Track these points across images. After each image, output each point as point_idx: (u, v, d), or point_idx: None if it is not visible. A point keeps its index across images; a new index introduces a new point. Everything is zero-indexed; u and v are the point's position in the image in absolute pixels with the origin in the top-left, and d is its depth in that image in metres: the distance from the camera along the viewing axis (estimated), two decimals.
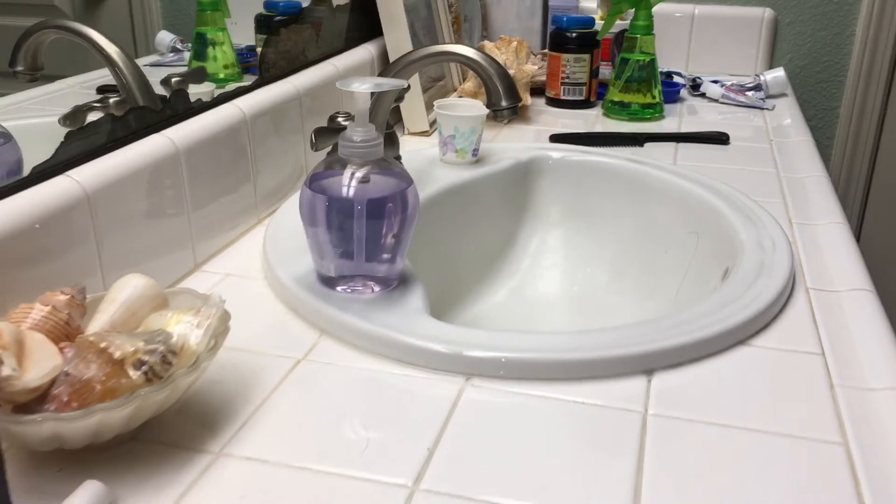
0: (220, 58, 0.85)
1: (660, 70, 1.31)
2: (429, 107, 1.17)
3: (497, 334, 0.61)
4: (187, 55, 0.80)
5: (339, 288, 0.67)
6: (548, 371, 0.58)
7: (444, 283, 0.92)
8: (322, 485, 0.48)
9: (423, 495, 0.47)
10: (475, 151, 1.00)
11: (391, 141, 0.94)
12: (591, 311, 0.95)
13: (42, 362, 0.45)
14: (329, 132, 0.83)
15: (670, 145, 1.14)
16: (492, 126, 1.20)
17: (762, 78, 1.39)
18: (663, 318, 0.64)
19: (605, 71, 1.37)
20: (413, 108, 1.15)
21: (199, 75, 0.82)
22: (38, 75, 0.63)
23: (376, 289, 0.67)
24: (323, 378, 0.59)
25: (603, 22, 1.33)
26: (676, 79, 1.44)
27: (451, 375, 0.59)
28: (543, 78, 1.36)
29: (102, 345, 0.46)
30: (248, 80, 0.89)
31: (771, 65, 1.57)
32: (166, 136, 0.72)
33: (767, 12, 1.53)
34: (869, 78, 1.54)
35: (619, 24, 1.36)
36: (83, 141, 0.66)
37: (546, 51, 1.39)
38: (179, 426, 0.53)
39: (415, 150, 1.04)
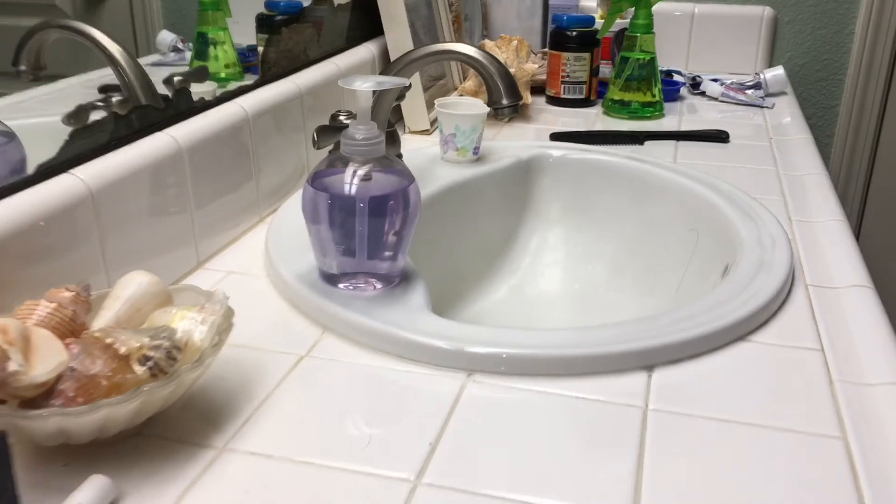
0: (222, 57, 0.86)
1: (660, 68, 1.31)
2: (429, 105, 1.18)
3: (498, 330, 0.62)
4: (188, 55, 0.81)
5: (341, 285, 0.67)
6: (549, 367, 0.59)
7: (446, 281, 0.93)
8: (325, 479, 0.48)
9: (426, 489, 0.48)
10: (476, 150, 1.00)
11: (392, 139, 0.95)
12: (592, 308, 0.96)
13: (48, 358, 0.46)
14: (331, 130, 0.83)
15: (670, 143, 1.14)
16: (492, 124, 1.20)
17: (762, 76, 1.40)
18: (663, 315, 0.64)
19: (606, 69, 1.38)
20: (414, 107, 1.16)
21: (200, 74, 0.83)
22: (40, 74, 0.63)
23: (378, 286, 0.67)
24: (325, 374, 0.59)
25: (603, 21, 1.34)
26: (676, 77, 1.45)
27: (452, 371, 0.59)
28: (544, 77, 1.36)
29: (108, 341, 0.46)
30: (249, 80, 0.90)
31: (771, 63, 1.57)
32: (169, 135, 0.72)
33: (767, 11, 1.54)
34: (868, 76, 1.54)
35: (619, 22, 1.36)
36: (87, 139, 0.66)
37: (546, 49, 1.40)
38: (184, 422, 0.53)
39: (416, 149, 1.04)
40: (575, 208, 1.03)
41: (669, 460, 0.50)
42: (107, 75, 0.70)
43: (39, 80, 0.63)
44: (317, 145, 0.82)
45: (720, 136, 1.16)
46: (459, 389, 0.57)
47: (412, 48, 1.03)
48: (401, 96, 0.92)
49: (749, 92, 1.37)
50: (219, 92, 0.84)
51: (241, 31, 0.89)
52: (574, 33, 1.30)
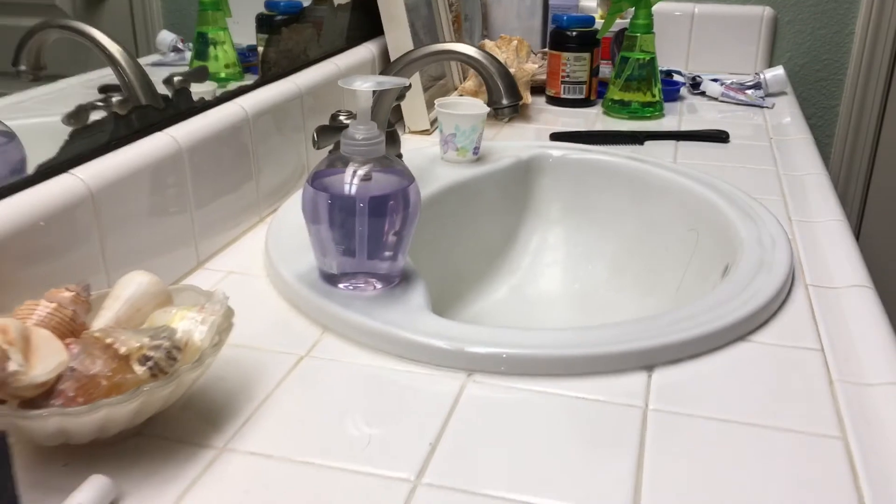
0: (222, 57, 0.86)
1: (660, 68, 1.31)
2: (429, 105, 1.18)
3: (498, 330, 0.62)
4: (188, 55, 0.81)
5: (341, 285, 0.67)
6: (549, 367, 0.59)
7: (446, 281, 0.93)
8: (325, 479, 0.48)
9: (426, 489, 0.48)
10: (476, 150, 1.00)
11: (392, 139, 0.95)
12: (592, 308, 0.96)
13: (48, 358, 0.46)
14: (331, 130, 0.83)
15: (670, 143, 1.14)
16: (492, 125, 1.20)
17: (762, 76, 1.40)
18: (663, 315, 0.64)
19: (605, 69, 1.38)
20: (414, 107, 1.16)
21: (201, 74, 0.83)
22: (40, 74, 0.63)
23: (378, 286, 0.67)
24: (325, 374, 0.59)
25: (603, 21, 1.34)
26: (676, 77, 1.45)
27: (452, 371, 0.59)
28: (544, 77, 1.36)
29: (108, 341, 0.46)
30: (249, 80, 0.90)
31: (770, 63, 1.57)
32: (169, 135, 0.72)
33: (767, 11, 1.54)
34: (868, 76, 1.54)
35: (619, 22, 1.36)
36: (87, 139, 0.66)
37: (546, 49, 1.40)
38: (184, 422, 0.53)
39: (416, 149, 1.04)
40: (575, 208, 1.03)
41: (669, 460, 0.50)
42: (106, 75, 0.70)
43: (39, 80, 0.63)
44: (317, 145, 0.82)
45: (720, 137, 1.16)
46: (459, 389, 0.57)
47: (412, 48, 1.04)
48: (401, 96, 0.92)
49: (749, 92, 1.37)
50: (219, 92, 0.84)
51: (241, 31, 0.89)
52: (574, 33, 1.30)
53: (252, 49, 0.92)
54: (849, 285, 0.72)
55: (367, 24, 1.18)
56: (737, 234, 0.80)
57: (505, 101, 0.86)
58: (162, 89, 0.76)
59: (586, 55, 1.31)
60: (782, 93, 1.41)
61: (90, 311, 0.53)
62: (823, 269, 0.76)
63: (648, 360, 0.60)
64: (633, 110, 1.27)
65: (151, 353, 0.47)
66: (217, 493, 0.47)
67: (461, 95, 1.25)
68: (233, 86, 0.87)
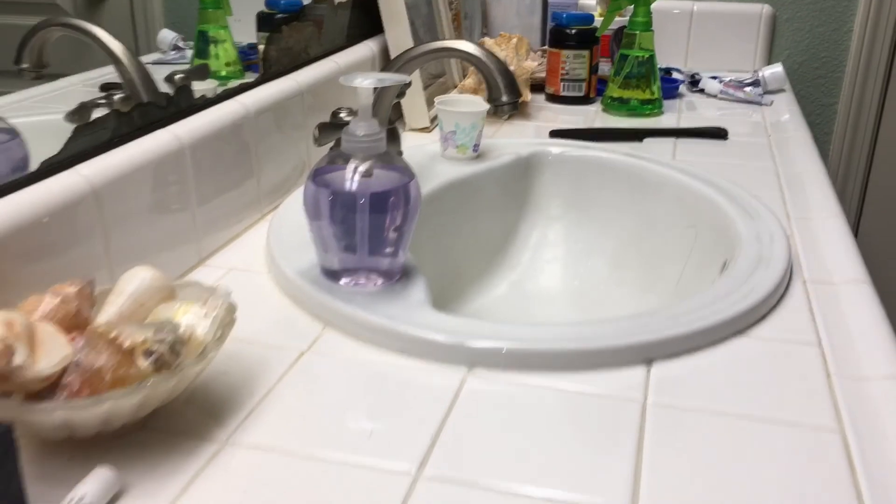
0: (222, 55, 0.86)
1: (659, 66, 1.32)
2: (429, 103, 1.18)
3: (499, 325, 0.62)
4: (189, 53, 0.81)
5: (342, 281, 0.68)
6: (549, 361, 0.59)
7: (446, 278, 0.93)
8: (327, 472, 0.49)
9: (427, 482, 0.48)
10: (476, 147, 1.01)
11: (393, 137, 0.95)
12: (592, 304, 0.96)
13: (53, 352, 0.46)
14: (332, 127, 0.84)
15: (669, 140, 1.14)
16: (492, 122, 1.21)
17: (760, 74, 1.40)
18: (662, 309, 0.65)
19: (605, 67, 1.38)
20: (414, 105, 1.16)
21: (202, 72, 0.83)
22: (43, 73, 0.63)
23: (379, 282, 0.68)
24: (327, 369, 0.60)
25: (602, 18, 1.34)
26: (675, 75, 1.45)
27: (453, 365, 0.60)
28: (543, 74, 1.37)
29: (112, 334, 0.47)
30: (249, 78, 0.90)
31: (769, 61, 1.58)
32: (171, 132, 0.73)
33: (766, 8, 1.54)
34: (867, 74, 1.55)
35: (619, 20, 1.37)
36: (90, 136, 0.67)
37: (546, 47, 1.40)
38: (187, 415, 0.54)
39: (416, 146, 1.05)
40: (575, 205, 1.03)
41: (668, 453, 0.51)
42: (108, 74, 0.70)
43: (42, 79, 0.63)
44: (318, 142, 0.83)
45: (719, 134, 1.16)
46: (460, 383, 0.58)
47: (412, 46, 1.04)
48: (401, 93, 0.93)
49: (748, 89, 1.38)
50: (220, 90, 0.85)
51: (242, 29, 0.89)
52: (573, 31, 1.31)
53: (253, 47, 0.92)
54: (846, 280, 0.72)
55: (367, 22, 1.18)
56: (735, 230, 0.81)
57: (505, 99, 0.86)
58: (163, 87, 0.76)
59: (586, 53, 1.31)
60: (781, 90, 1.41)
61: (94, 306, 0.53)
62: (821, 264, 0.76)
63: (647, 355, 0.60)
64: (633, 108, 1.27)
65: (155, 347, 0.47)
66: (220, 486, 0.48)
67: (461, 93, 1.26)
68: (234, 84, 0.87)
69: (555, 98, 1.35)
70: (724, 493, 0.48)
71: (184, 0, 0.80)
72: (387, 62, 1.16)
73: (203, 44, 0.84)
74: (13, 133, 0.61)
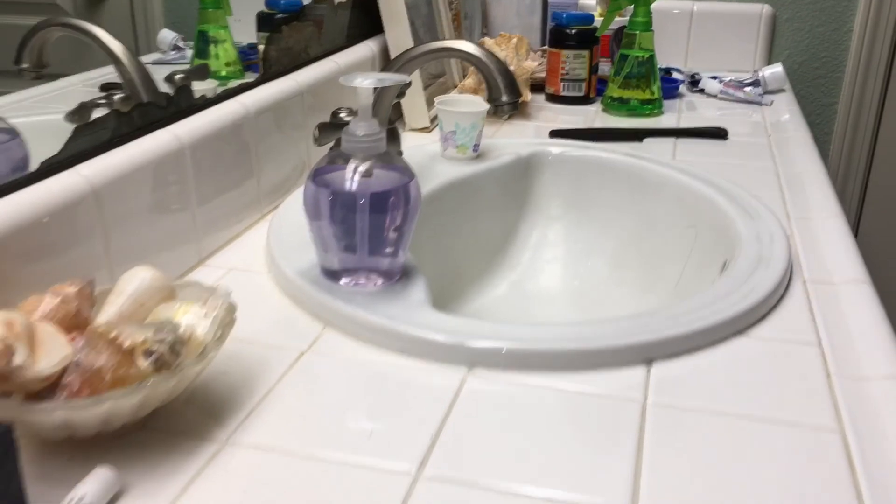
0: (222, 55, 0.86)
1: (659, 66, 1.32)
2: (429, 103, 1.18)
3: (499, 325, 0.62)
4: (189, 53, 0.81)
5: (342, 281, 0.68)
6: (549, 361, 0.59)
7: (446, 278, 0.93)
8: (327, 472, 0.49)
9: (427, 481, 0.48)
10: (476, 147, 1.01)
11: (393, 137, 0.95)
12: (592, 304, 0.96)
13: (53, 352, 0.46)
14: (332, 127, 0.84)
15: (669, 140, 1.14)
16: (492, 122, 1.21)
17: (760, 74, 1.40)
18: (663, 309, 0.65)
19: (605, 67, 1.38)
20: (414, 105, 1.16)
21: (202, 72, 0.83)
22: (43, 73, 0.63)
23: (379, 282, 0.68)
24: (327, 369, 0.60)
25: (602, 18, 1.34)
26: (675, 75, 1.45)
27: (453, 365, 0.60)
28: (543, 74, 1.37)
29: (112, 334, 0.47)
30: (249, 78, 0.90)
31: (769, 61, 1.58)
32: (171, 132, 0.73)
33: (766, 8, 1.54)
34: (867, 74, 1.55)
35: (619, 20, 1.37)
36: (90, 136, 0.67)
37: (546, 47, 1.40)
38: (187, 416, 0.54)
39: (416, 147, 1.05)
40: (574, 205, 1.03)
41: (668, 452, 0.51)
42: (107, 74, 0.70)
43: (42, 79, 0.63)
44: (318, 142, 0.83)
45: (719, 134, 1.16)
46: (460, 383, 0.58)
47: (412, 46, 1.04)
48: (401, 93, 0.93)
49: (748, 89, 1.38)
50: (220, 90, 0.85)
51: (242, 29, 0.89)
52: (573, 31, 1.31)
53: (253, 47, 0.92)
54: (846, 280, 0.73)
55: (367, 23, 1.18)
56: (735, 230, 0.81)
57: (505, 98, 0.86)
58: (163, 87, 0.76)
59: (585, 53, 1.31)
60: (781, 90, 1.41)
61: (94, 306, 0.53)
62: (821, 264, 0.76)
63: (647, 354, 0.60)
64: (633, 108, 1.27)
65: (155, 347, 0.47)
66: (220, 486, 0.48)
67: (461, 93, 1.26)
68: (234, 84, 0.87)
69: (555, 98, 1.35)
70: (723, 492, 0.48)
71: (184, 0, 0.80)
72: (387, 62, 1.16)
73: (203, 44, 0.84)
74: (13, 133, 0.61)
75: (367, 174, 0.64)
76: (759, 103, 1.35)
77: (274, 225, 0.79)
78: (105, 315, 0.52)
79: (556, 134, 1.15)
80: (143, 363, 0.47)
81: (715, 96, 1.39)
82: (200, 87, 0.81)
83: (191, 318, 0.52)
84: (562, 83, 1.33)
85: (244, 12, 0.90)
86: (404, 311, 0.64)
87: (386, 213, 0.65)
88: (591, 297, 0.97)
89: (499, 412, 0.55)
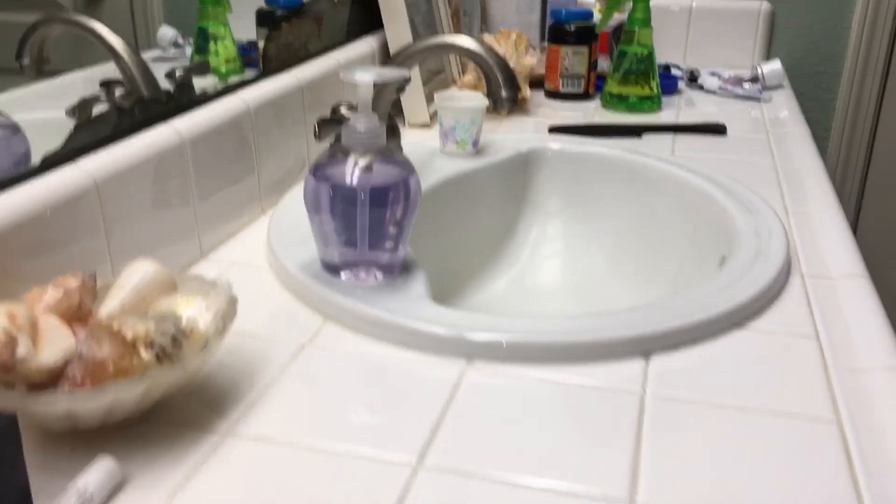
0: (222, 52, 0.86)
1: (658, 62, 1.32)
2: (429, 99, 1.18)
3: (498, 318, 0.63)
4: (189, 50, 0.81)
5: (342, 275, 0.68)
6: (548, 353, 0.60)
7: (445, 274, 0.93)
8: (327, 463, 0.49)
9: (427, 472, 0.49)
10: (475, 142, 1.01)
11: (392, 132, 0.95)
12: (591, 299, 0.96)
13: (55, 343, 0.47)
14: (332, 122, 0.84)
15: (668, 136, 1.15)
16: (491, 118, 1.21)
17: (759, 70, 1.40)
18: (661, 302, 0.65)
19: (604, 64, 1.39)
20: (413, 101, 1.17)
21: (202, 69, 0.83)
22: (44, 68, 0.64)
23: (379, 276, 0.68)
24: (327, 362, 0.60)
25: (601, 15, 1.34)
26: (674, 71, 1.45)
27: (453, 358, 0.60)
28: (542, 71, 1.37)
29: (115, 326, 0.47)
30: (249, 75, 0.90)
31: (768, 57, 1.58)
32: (172, 127, 0.73)
33: (764, 5, 1.54)
34: (865, 69, 1.55)
35: (618, 17, 1.37)
36: (92, 131, 0.67)
37: (545, 44, 1.41)
38: (188, 408, 0.54)
39: (415, 142, 1.05)
40: (574, 200, 1.03)
41: (666, 444, 0.51)
42: (106, 70, 0.70)
43: (43, 75, 0.64)
44: (318, 137, 0.83)
45: (718, 129, 1.17)
46: (459, 376, 0.58)
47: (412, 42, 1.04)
48: (401, 89, 0.93)
49: (746, 85, 1.38)
50: (219, 87, 0.85)
51: (242, 26, 0.89)
52: (572, 28, 1.31)
53: (252, 44, 0.92)
54: (844, 275, 0.73)
55: (366, 19, 1.18)
56: (734, 225, 0.81)
57: (504, 94, 0.86)
58: (164, 84, 0.76)
59: (585, 49, 1.32)
60: (779, 86, 1.42)
61: (96, 299, 0.53)
62: (819, 259, 0.77)
63: (646, 347, 0.61)
64: (632, 104, 1.28)
65: (157, 339, 0.47)
66: (221, 477, 0.48)
67: (461, 89, 1.26)
68: (234, 80, 0.87)
69: (554, 94, 1.35)
70: (721, 483, 0.48)
71: None
72: (387, 59, 1.17)
73: (203, 41, 0.84)
74: (15, 128, 0.61)
75: (367, 169, 0.65)
76: (758, 99, 1.35)
77: (274, 220, 0.80)
78: (107, 307, 0.53)
79: (555, 130, 1.16)
80: (146, 355, 0.47)
81: (714, 92, 1.39)
82: (200, 84, 0.81)
83: (193, 310, 0.52)
84: (561, 79, 1.33)
85: (244, 9, 0.91)
86: (404, 304, 0.64)
87: (386, 207, 0.65)
88: (590, 293, 0.97)
89: (498, 404, 0.55)
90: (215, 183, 0.79)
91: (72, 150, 0.65)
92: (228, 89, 0.85)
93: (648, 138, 1.14)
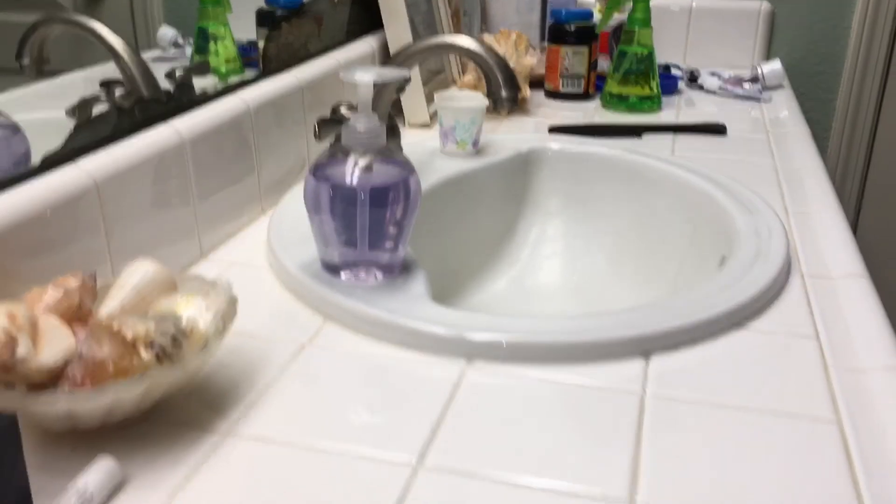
0: (222, 52, 0.86)
1: (658, 62, 1.32)
2: (429, 99, 1.18)
3: (498, 317, 0.63)
4: (189, 50, 0.81)
5: (343, 275, 0.68)
6: (548, 353, 0.60)
7: (445, 274, 0.93)
8: (327, 463, 0.49)
9: (427, 472, 0.49)
10: (475, 142, 1.01)
11: (393, 133, 0.95)
12: (591, 299, 0.96)
13: (55, 343, 0.47)
14: (332, 122, 0.84)
15: (668, 136, 1.15)
16: (491, 118, 1.21)
17: (759, 70, 1.40)
18: (661, 302, 0.65)
19: (604, 64, 1.39)
20: (413, 101, 1.17)
21: (202, 69, 0.83)
22: (44, 68, 0.64)
23: (379, 276, 0.68)
24: (327, 361, 0.60)
25: (601, 15, 1.34)
26: (674, 71, 1.45)
27: (453, 358, 0.60)
28: (542, 71, 1.37)
29: (115, 326, 0.47)
30: (249, 75, 0.90)
31: (768, 57, 1.58)
32: (172, 127, 0.73)
33: (764, 5, 1.54)
34: (865, 70, 1.55)
35: (618, 17, 1.37)
36: (92, 131, 0.67)
37: (545, 44, 1.41)
38: (188, 408, 0.54)
39: (415, 142, 1.05)
40: (574, 200, 1.03)
41: (666, 444, 0.51)
42: (106, 71, 0.70)
43: (43, 75, 0.64)
44: (318, 137, 0.83)
45: (718, 129, 1.17)
46: (459, 376, 0.58)
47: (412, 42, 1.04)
48: (401, 88, 0.93)
49: (746, 85, 1.38)
50: (219, 87, 0.85)
51: (242, 26, 0.89)
52: (572, 28, 1.31)
53: (252, 44, 0.92)
54: (844, 275, 0.73)
55: (366, 19, 1.18)
56: (734, 225, 0.81)
57: (504, 93, 0.86)
58: (164, 84, 0.76)
59: (584, 49, 1.32)
60: (779, 86, 1.42)
61: (96, 300, 0.53)
62: (819, 258, 0.77)
63: (646, 347, 0.61)
64: (632, 104, 1.28)
65: (157, 339, 0.47)
66: (221, 477, 0.48)
67: (460, 89, 1.26)
68: (234, 81, 0.87)
69: (554, 94, 1.35)
70: (722, 483, 0.48)
71: None
72: (387, 59, 1.17)
73: (203, 41, 0.84)
74: (15, 128, 0.61)
75: (368, 169, 0.65)
76: (758, 99, 1.35)
77: (274, 220, 0.80)
78: (107, 307, 0.53)
79: (555, 130, 1.16)
80: (145, 354, 0.47)
81: (714, 92, 1.39)
82: (200, 84, 0.81)
83: (193, 310, 0.52)
84: (561, 79, 1.33)
85: (244, 9, 0.91)
86: (404, 304, 0.64)
87: (386, 207, 0.65)
88: (590, 293, 0.97)
89: (498, 404, 0.55)
90: (215, 183, 0.79)
91: (72, 150, 0.65)
92: (228, 89, 0.85)
93: (648, 138, 1.14)
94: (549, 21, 1.39)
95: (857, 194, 1.64)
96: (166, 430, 0.52)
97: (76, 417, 0.47)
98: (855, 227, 1.65)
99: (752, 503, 0.46)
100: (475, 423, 0.53)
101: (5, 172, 0.59)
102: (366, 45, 1.15)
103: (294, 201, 0.83)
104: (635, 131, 1.15)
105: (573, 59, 1.32)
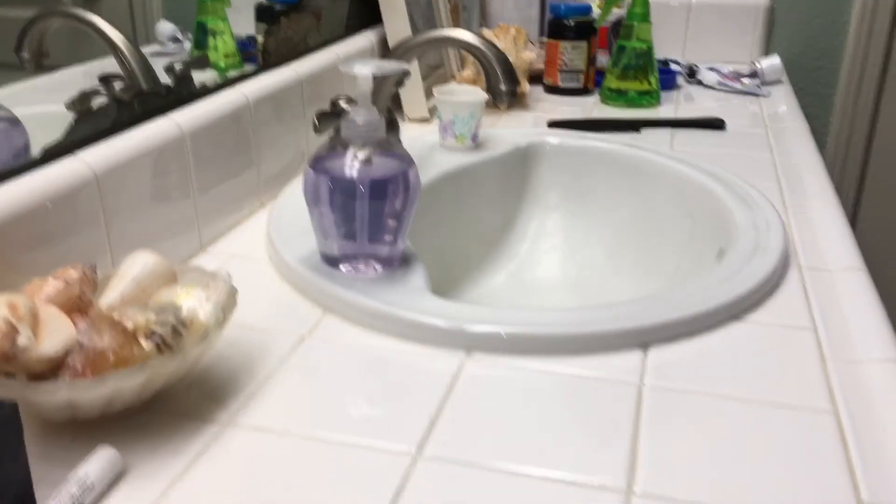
0: (221, 47, 0.86)
1: (656, 57, 1.32)
2: (428, 94, 1.19)
3: (497, 310, 0.63)
4: (187, 45, 0.81)
5: (342, 267, 0.68)
6: (546, 345, 0.60)
7: (445, 267, 0.94)
8: (326, 452, 0.50)
9: (426, 461, 0.49)
10: (474, 137, 1.01)
11: (392, 127, 0.95)
12: (590, 293, 0.97)
13: (56, 333, 0.47)
14: (331, 116, 0.84)
15: (667, 131, 1.15)
16: (491, 113, 1.21)
17: (758, 65, 1.41)
18: (659, 294, 0.65)
19: (603, 59, 1.39)
20: (412, 95, 1.17)
21: (201, 63, 0.83)
22: (43, 62, 0.64)
23: (379, 268, 0.68)
24: (327, 353, 0.60)
25: (600, 10, 1.35)
26: (673, 66, 1.45)
27: (452, 350, 0.60)
28: (542, 66, 1.37)
29: (115, 316, 0.47)
30: (248, 70, 0.91)
31: (767, 52, 1.58)
32: (172, 120, 0.73)
33: (763, 0, 1.54)
34: (864, 64, 1.55)
35: (616, 12, 1.37)
36: (92, 124, 0.67)
37: (544, 38, 1.41)
38: (189, 399, 0.54)
39: (415, 137, 1.05)
40: (573, 195, 1.04)
41: (664, 435, 0.51)
42: (105, 65, 0.71)
43: (42, 69, 0.64)
44: (317, 130, 0.83)
45: (716, 124, 1.17)
46: (458, 367, 0.58)
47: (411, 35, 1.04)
48: (400, 82, 0.93)
49: (745, 80, 1.38)
50: (219, 81, 0.85)
51: (241, 20, 0.90)
52: (572, 22, 1.31)
53: (251, 39, 0.93)
54: (842, 268, 0.73)
55: (365, 14, 1.19)
56: (732, 218, 0.81)
57: (503, 87, 0.86)
58: (163, 78, 0.77)
59: (584, 44, 1.32)
60: (778, 81, 1.42)
61: (97, 290, 0.54)
62: (817, 252, 0.77)
63: (644, 339, 0.61)
64: (630, 99, 1.28)
65: (157, 329, 0.48)
66: (221, 467, 0.48)
67: (460, 84, 1.26)
68: (233, 75, 0.88)
69: (553, 89, 1.35)
70: (719, 474, 0.48)
71: None
72: (386, 53, 1.17)
73: (202, 35, 0.84)
74: (14, 121, 0.62)
75: (367, 161, 0.65)
76: (757, 94, 1.35)
77: (274, 213, 0.80)
78: (108, 298, 0.53)
79: (554, 124, 1.16)
80: (146, 344, 0.48)
81: (712, 87, 1.39)
82: (200, 78, 0.82)
83: (192, 301, 0.52)
84: (560, 74, 1.33)
85: (243, 3, 0.91)
86: (404, 296, 0.64)
87: (385, 199, 0.66)
88: (589, 286, 0.98)
89: (497, 395, 0.55)
90: (215, 176, 0.79)
91: (72, 142, 0.65)
92: (228, 83, 0.85)
93: (647, 133, 1.14)
94: (548, 16, 1.40)
95: (855, 189, 1.64)
96: (166, 420, 0.52)
97: (77, 407, 0.47)
98: (853, 221, 1.66)
99: (749, 494, 0.47)
100: (474, 415, 0.53)
101: (4, 165, 0.60)
102: (365, 39, 1.15)
103: (293, 194, 0.83)
104: (634, 126, 1.15)
105: (572, 53, 1.32)
